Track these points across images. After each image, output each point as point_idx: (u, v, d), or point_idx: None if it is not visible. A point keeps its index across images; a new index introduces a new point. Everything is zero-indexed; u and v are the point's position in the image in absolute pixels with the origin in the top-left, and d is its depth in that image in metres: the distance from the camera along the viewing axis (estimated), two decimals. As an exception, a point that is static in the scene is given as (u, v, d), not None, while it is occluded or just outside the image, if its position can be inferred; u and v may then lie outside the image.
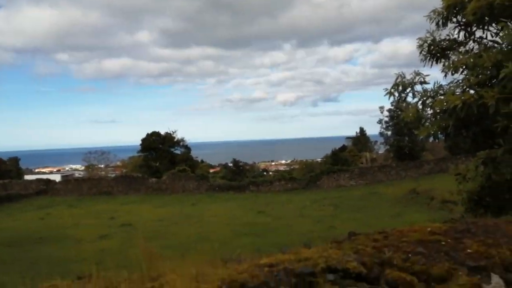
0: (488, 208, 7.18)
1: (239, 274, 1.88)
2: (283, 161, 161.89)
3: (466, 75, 6.77)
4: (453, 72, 6.96)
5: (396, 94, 6.70)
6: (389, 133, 49.06)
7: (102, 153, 59.22)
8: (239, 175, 50.24)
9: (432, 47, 7.43)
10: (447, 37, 7.85)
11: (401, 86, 6.63)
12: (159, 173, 47.01)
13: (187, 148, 55.63)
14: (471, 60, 6.74)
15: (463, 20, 7.56)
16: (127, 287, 2.09)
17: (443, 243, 2.13)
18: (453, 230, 2.33)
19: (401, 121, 44.01)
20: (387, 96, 6.84)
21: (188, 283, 1.88)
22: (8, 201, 37.15)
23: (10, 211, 32.03)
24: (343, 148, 65.05)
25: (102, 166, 59.96)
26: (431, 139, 6.63)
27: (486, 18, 7.08)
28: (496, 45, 7.42)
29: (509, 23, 6.76)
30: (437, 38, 7.75)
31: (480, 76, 6.29)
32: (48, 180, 43.83)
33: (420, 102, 6.52)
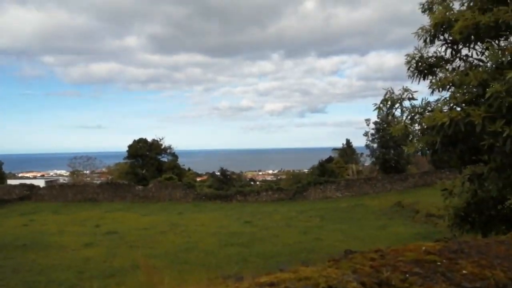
0: (474, 224, 7.28)
1: (241, 293, 1.86)
2: (270, 171, 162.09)
3: (453, 92, 6.91)
4: (440, 89, 7.11)
5: (385, 109, 6.80)
6: (375, 145, 49.46)
7: (87, 158, 58.48)
8: (226, 184, 50.09)
9: (419, 63, 7.58)
10: (435, 54, 8.03)
11: (390, 101, 6.74)
12: (146, 181, 46.62)
13: (174, 155, 55.37)
14: (458, 78, 6.89)
15: (450, 38, 7.74)
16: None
17: (439, 263, 2.15)
18: (446, 249, 2.37)
19: (387, 134, 44.69)
20: (376, 110, 6.93)
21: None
22: (-10, 206, 36.35)
23: (-8, 217, 31.33)
24: (330, 159, 65.36)
25: (87, 172, 59.14)
26: (418, 154, 6.73)
27: (472, 37, 7.27)
28: (481, 63, 7.61)
29: (494, 43, 6.95)
30: (425, 55, 7.92)
31: (466, 94, 6.43)
32: (32, 185, 43.04)
33: (408, 117, 6.63)
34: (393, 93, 6.83)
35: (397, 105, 6.78)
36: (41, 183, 49.30)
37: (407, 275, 1.96)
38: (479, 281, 2.01)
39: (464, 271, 2.10)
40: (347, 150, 64.01)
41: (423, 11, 7.90)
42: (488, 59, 6.95)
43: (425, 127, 6.31)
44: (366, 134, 50.47)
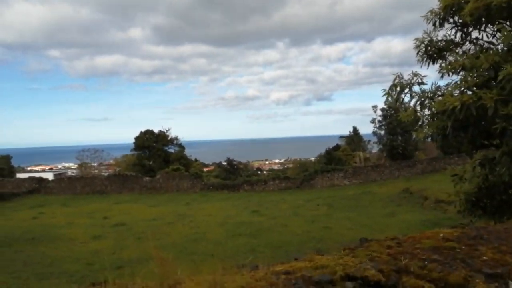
0: (485, 209, 7.20)
1: (257, 281, 1.84)
2: (277, 160, 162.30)
3: (463, 76, 6.78)
4: (451, 73, 6.98)
5: (394, 94, 6.69)
6: (382, 132, 49.29)
7: (95, 151, 58.84)
8: (233, 174, 50.20)
9: (429, 47, 7.43)
10: (444, 38, 7.86)
11: (399, 87, 6.63)
12: (153, 172, 46.85)
13: (181, 146, 55.54)
14: (469, 61, 6.75)
15: (460, 21, 7.56)
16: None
17: (458, 250, 2.10)
18: (465, 236, 2.31)
19: (394, 120, 44.46)
20: (384, 97, 6.83)
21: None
22: (0, 199, 36.75)
23: (2, 210, 31.70)
24: (337, 147, 65.13)
25: (95, 164, 59.57)
26: (428, 139, 6.63)
27: (483, 19, 7.09)
28: (492, 46, 7.45)
29: (506, 25, 6.78)
30: (434, 39, 7.75)
31: (478, 78, 6.29)
32: (41, 179, 43.41)
33: (418, 103, 6.52)
34: (402, 78, 6.71)
35: (406, 90, 6.66)
36: (49, 176, 49.78)
37: (426, 262, 1.92)
38: (500, 267, 1.95)
39: (484, 257, 2.05)
40: (354, 138, 63.74)
41: (432, -6, 7.72)
42: (499, 41, 6.80)
43: (436, 112, 6.20)
44: (373, 121, 50.35)
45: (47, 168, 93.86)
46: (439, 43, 7.71)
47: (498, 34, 6.83)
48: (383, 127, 48.80)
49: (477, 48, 7.59)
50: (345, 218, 23.12)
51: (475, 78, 6.29)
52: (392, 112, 46.23)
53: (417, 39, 7.60)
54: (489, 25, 7.46)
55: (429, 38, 7.61)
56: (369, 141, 64.77)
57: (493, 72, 6.14)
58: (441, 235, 2.41)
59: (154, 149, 51.74)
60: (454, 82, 6.68)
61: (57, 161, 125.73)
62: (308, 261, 1.90)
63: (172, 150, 54.70)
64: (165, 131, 54.34)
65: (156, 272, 2.21)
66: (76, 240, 20.01)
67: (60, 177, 49.14)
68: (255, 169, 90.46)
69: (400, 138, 47.09)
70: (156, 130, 53.89)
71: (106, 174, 50.53)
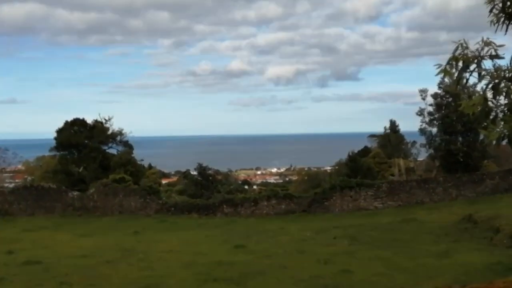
0: None
1: None
2: (274, 170, 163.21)
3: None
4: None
5: (454, 72, 6.68)
6: (434, 130, 49.60)
7: (-6, 150, 58.41)
8: (207, 190, 50.19)
9: (509, 2, 7.45)
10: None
11: (461, 61, 6.61)
12: (84, 184, 46.59)
13: (128, 145, 55.30)
14: None
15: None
16: None
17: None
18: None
19: (453, 112, 44.73)
20: (440, 75, 6.81)
21: None
22: None
23: None
24: (365, 151, 65.72)
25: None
26: (504, 142, 6.63)
27: None
28: None
29: None
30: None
31: None
32: None
33: (490, 86, 6.52)
34: (466, 48, 6.70)
35: (472, 66, 6.65)
36: None
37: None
38: None
39: None
40: (392, 137, 64.34)
41: None
42: None
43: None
44: (420, 112, 50.63)
45: None
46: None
47: None
48: (435, 122, 49.10)
49: None
50: (374, 258, 23.15)
51: None
52: (450, 99, 46.61)
53: (490, -11, 7.63)
54: None
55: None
56: (413, 142, 65.33)
57: None
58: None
59: (86, 149, 51.41)
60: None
61: None
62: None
63: (114, 151, 54.44)
64: (104, 121, 54.05)
65: None
66: (-36, 286, 19.79)
67: None
68: (240, 182, 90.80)
69: (461, 139, 47.41)
70: (90, 120, 53.58)
71: (11, 185, 50.14)
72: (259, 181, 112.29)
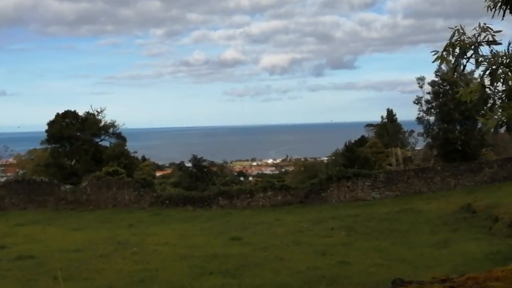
0: None
1: None
2: (270, 161, 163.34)
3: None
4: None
5: (451, 59, 6.68)
6: (432, 119, 49.63)
7: (-15, 144, 58.35)
8: (202, 182, 50.19)
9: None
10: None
11: (458, 47, 6.60)
12: (76, 177, 46.54)
13: (121, 137, 55.23)
14: None
15: None
16: None
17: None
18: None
19: (450, 100, 44.77)
20: (437, 62, 6.81)
21: None
22: None
23: None
24: (362, 141, 65.81)
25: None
26: (502, 130, 6.64)
27: None
28: None
29: None
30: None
31: None
32: None
33: (488, 72, 6.51)
34: (463, 34, 6.70)
35: (470, 52, 6.64)
36: None
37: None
38: None
39: None
40: (389, 127, 64.43)
41: None
42: None
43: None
44: (418, 101, 50.71)
45: None
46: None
47: None
48: (433, 110, 49.13)
49: None
50: (372, 248, 23.24)
51: None
52: (448, 87, 46.62)
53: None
54: None
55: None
56: (411, 131, 65.51)
57: None
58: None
59: (78, 142, 51.32)
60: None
61: None
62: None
63: (106, 143, 54.38)
64: (96, 113, 53.91)
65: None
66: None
67: None
68: (236, 173, 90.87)
69: (459, 127, 47.46)
70: (81, 112, 53.46)
71: (2, 179, 50.06)
72: (254, 172, 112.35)
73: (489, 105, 6.74)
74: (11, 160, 63.86)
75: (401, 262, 20.33)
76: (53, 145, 52.23)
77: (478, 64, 6.58)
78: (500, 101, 6.59)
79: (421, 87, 50.79)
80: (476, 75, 7.32)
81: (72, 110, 53.26)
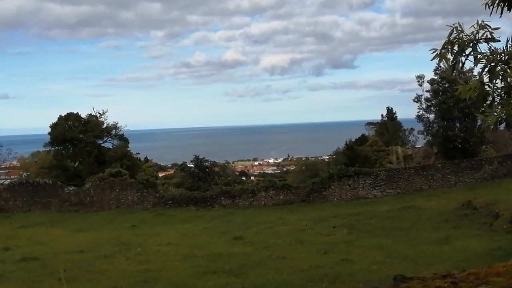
0: None
1: None
2: (272, 160, 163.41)
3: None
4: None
5: (450, 57, 6.67)
6: (432, 116, 49.61)
7: (-12, 147, 58.39)
8: (205, 182, 50.16)
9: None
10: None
11: (457, 45, 6.60)
12: (80, 179, 46.61)
13: (123, 139, 55.34)
14: None
15: None
16: None
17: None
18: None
19: (450, 98, 44.75)
20: (436, 60, 6.80)
21: None
22: None
23: None
24: (363, 139, 65.75)
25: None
26: (501, 127, 6.64)
27: None
28: None
29: None
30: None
31: None
32: None
33: (486, 70, 6.51)
34: (462, 31, 6.69)
35: (468, 50, 6.64)
36: None
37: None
38: None
39: None
40: (389, 125, 64.40)
41: None
42: None
43: (513, 83, 6.21)
44: (418, 99, 50.69)
45: None
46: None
47: None
48: (432, 108, 49.10)
49: None
50: (374, 246, 23.23)
51: None
52: (447, 85, 46.59)
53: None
54: None
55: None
56: (411, 129, 65.46)
57: None
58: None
59: (81, 144, 51.41)
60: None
61: None
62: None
63: (109, 145, 54.46)
64: (98, 115, 54.12)
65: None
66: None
67: None
68: (238, 173, 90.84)
69: (458, 125, 47.44)
70: (84, 114, 53.64)
71: (6, 182, 50.07)
72: (256, 172, 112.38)
73: (488, 102, 6.74)
74: (14, 162, 63.97)
75: (403, 259, 20.32)
76: (56, 148, 52.38)
77: (476, 61, 6.58)
78: (499, 98, 6.58)
79: (420, 85, 50.89)
80: (475, 72, 7.32)
81: (74, 112, 53.35)
